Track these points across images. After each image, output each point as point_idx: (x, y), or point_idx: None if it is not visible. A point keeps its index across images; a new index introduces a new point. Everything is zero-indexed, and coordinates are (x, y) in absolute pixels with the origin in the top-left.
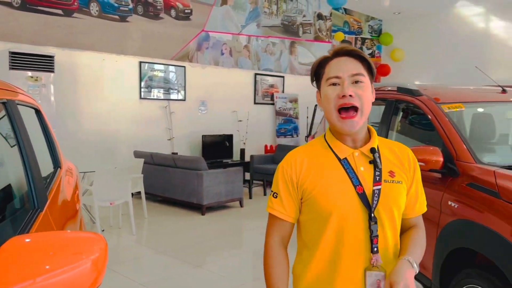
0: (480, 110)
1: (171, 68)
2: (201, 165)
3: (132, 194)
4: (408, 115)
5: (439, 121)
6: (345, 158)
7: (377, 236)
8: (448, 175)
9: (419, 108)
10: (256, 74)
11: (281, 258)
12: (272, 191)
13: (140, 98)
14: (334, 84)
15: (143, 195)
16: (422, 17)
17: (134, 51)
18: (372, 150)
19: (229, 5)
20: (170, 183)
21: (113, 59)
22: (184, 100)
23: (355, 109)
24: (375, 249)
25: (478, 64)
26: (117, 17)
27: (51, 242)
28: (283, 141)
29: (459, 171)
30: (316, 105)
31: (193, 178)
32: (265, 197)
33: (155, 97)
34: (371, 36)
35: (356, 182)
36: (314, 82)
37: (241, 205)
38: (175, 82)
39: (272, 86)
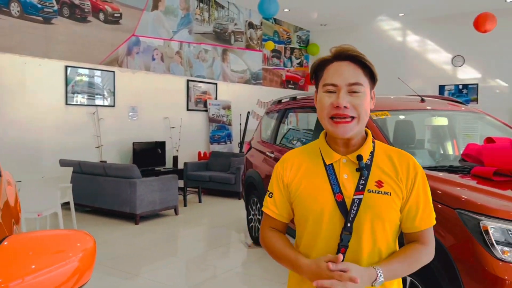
0: (402, 117)
1: (100, 73)
2: (134, 173)
3: (61, 204)
4: None
5: (368, 127)
6: (331, 164)
7: (347, 246)
8: None
9: None
10: (188, 80)
11: (277, 234)
12: (268, 191)
13: (66, 104)
14: (330, 91)
15: (72, 205)
16: (346, 29)
17: (60, 54)
18: (359, 158)
19: (160, 10)
20: (100, 193)
21: (36, 63)
22: (113, 106)
23: (351, 118)
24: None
25: (397, 74)
26: (40, 18)
27: (41, 241)
28: (217, 147)
29: None
30: (248, 112)
31: (125, 187)
32: (200, 205)
33: (82, 103)
34: (300, 46)
35: (336, 189)
36: (314, 81)
37: (176, 213)
38: (104, 87)
39: (205, 92)
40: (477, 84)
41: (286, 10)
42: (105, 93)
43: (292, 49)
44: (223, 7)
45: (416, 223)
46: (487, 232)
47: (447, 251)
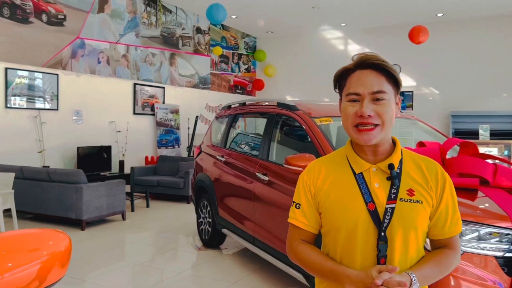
0: None
1: (42, 75)
2: (80, 178)
3: (2, 211)
4: (287, 127)
5: (313, 132)
6: (361, 173)
7: (385, 256)
8: None
9: (296, 121)
10: (135, 84)
11: (311, 247)
12: (294, 202)
13: (6, 107)
14: (353, 101)
15: (13, 212)
16: (292, 37)
17: None
18: (390, 166)
19: (106, 13)
20: (44, 198)
21: None
22: (57, 109)
23: (374, 124)
24: None
25: None
26: None
27: (16, 240)
28: (165, 152)
29: None
30: (197, 116)
31: (71, 192)
32: (148, 209)
33: (24, 107)
34: (247, 52)
35: (368, 198)
36: (337, 90)
37: (124, 218)
38: (47, 90)
39: (152, 96)
40: (412, 92)
41: (233, 17)
42: (48, 96)
43: (240, 55)
44: (170, 11)
45: (446, 230)
46: None
47: None
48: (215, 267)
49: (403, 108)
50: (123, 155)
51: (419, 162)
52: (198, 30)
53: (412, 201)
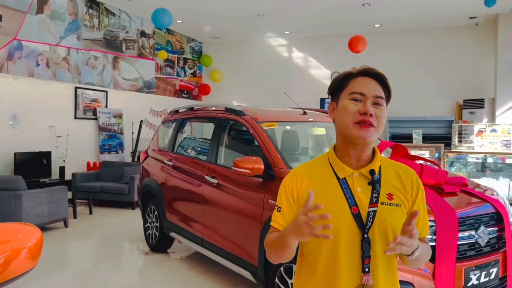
0: (288, 127)
1: None
2: (20, 185)
3: None
4: (235, 131)
5: (260, 136)
6: (344, 178)
7: (369, 256)
8: (268, 179)
9: (243, 126)
10: (76, 87)
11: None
12: (276, 206)
13: None
14: (356, 100)
15: None
16: (238, 43)
17: None
18: (371, 172)
19: (45, 14)
20: None
21: None
22: None
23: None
24: (367, 269)
25: (284, 87)
26: None
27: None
28: (108, 157)
29: (276, 176)
30: (141, 121)
31: (9, 200)
32: (91, 216)
33: None
34: (193, 56)
35: (352, 202)
36: (333, 92)
37: (66, 226)
38: None
39: (94, 100)
40: None
41: (179, 21)
42: None
43: (186, 59)
44: (114, 14)
45: (418, 230)
46: None
47: None
48: (163, 270)
49: None
50: (64, 161)
51: (397, 169)
52: (143, 34)
53: (391, 204)
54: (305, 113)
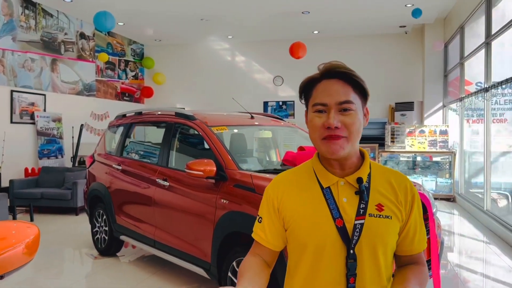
0: (237, 131)
1: None
2: None
3: None
4: (186, 135)
5: (211, 139)
6: (328, 187)
7: (355, 275)
8: (220, 180)
9: (194, 130)
10: (12, 91)
11: (253, 259)
12: (258, 216)
13: None
14: (320, 111)
15: None
16: (180, 46)
17: None
18: (359, 180)
19: None
20: None
21: None
22: None
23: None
24: None
25: (228, 91)
26: None
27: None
28: (47, 162)
29: (227, 177)
30: (82, 125)
31: None
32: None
33: None
34: (134, 59)
35: (336, 214)
36: (303, 100)
37: None
38: None
39: (32, 104)
40: (294, 101)
41: (120, 23)
42: None
43: (127, 62)
44: (51, 15)
45: (414, 246)
46: None
47: None
48: (113, 273)
49: (286, 116)
50: (0, 167)
51: (389, 176)
52: (82, 36)
53: (381, 216)
54: (252, 117)
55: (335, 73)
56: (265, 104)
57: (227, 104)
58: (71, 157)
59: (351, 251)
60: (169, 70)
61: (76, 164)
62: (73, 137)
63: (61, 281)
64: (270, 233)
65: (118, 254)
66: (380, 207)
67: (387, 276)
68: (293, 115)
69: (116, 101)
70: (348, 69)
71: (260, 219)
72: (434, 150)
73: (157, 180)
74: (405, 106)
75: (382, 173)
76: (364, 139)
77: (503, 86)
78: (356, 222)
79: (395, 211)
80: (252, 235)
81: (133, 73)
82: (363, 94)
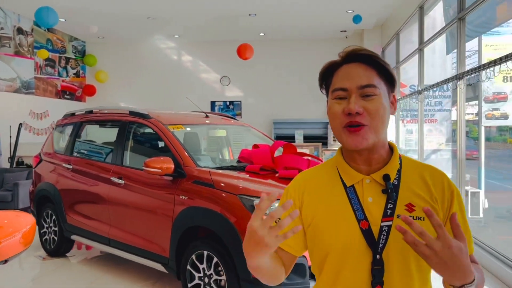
0: (192, 129)
1: None
2: None
3: None
4: (140, 134)
5: (168, 138)
6: (352, 186)
7: (382, 282)
8: (178, 177)
9: (149, 129)
10: None
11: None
12: None
13: None
14: (340, 98)
15: None
16: (125, 44)
17: None
18: (385, 177)
19: None
20: None
21: None
22: None
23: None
24: None
25: (174, 90)
26: None
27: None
28: None
29: (186, 174)
30: (20, 124)
31: None
32: None
33: None
34: (75, 56)
35: (360, 215)
36: (324, 89)
37: None
38: None
39: None
40: (240, 101)
41: (62, 20)
42: None
43: (68, 59)
44: None
45: None
46: None
47: (234, 226)
48: (65, 274)
49: (233, 116)
50: None
51: (422, 171)
52: (20, 31)
53: (412, 217)
54: (207, 116)
55: (357, 56)
56: (212, 104)
57: (173, 103)
58: (9, 158)
59: (378, 256)
60: (112, 68)
61: (14, 165)
62: (10, 137)
63: (7, 285)
64: (292, 236)
65: (68, 254)
66: (410, 207)
67: (420, 285)
68: (240, 114)
69: (57, 100)
70: (371, 52)
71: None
72: None
73: (111, 178)
74: None
75: (414, 168)
76: (308, 138)
77: (434, 89)
78: (383, 224)
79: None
80: None
81: (74, 71)
82: (389, 80)
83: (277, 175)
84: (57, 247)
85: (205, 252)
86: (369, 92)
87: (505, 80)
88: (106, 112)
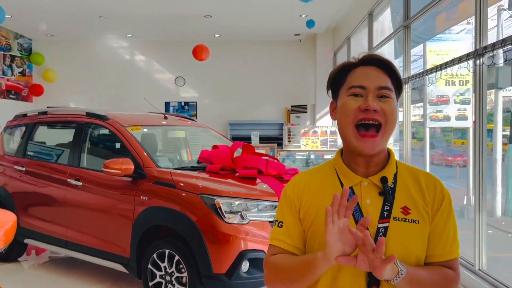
0: (151, 131)
1: None
2: None
3: None
4: (98, 135)
5: (127, 139)
6: (351, 188)
7: (378, 283)
8: (138, 178)
9: (107, 130)
10: None
11: (284, 255)
12: (276, 221)
13: None
14: (356, 95)
15: None
16: (75, 43)
17: None
18: (383, 180)
19: None
20: None
21: None
22: None
23: (377, 128)
24: None
25: (125, 90)
26: None
27: None
28: None
29: (146, 174)
30: None
31: None
32: None
33: None
34: (21, 54)
35: (358, 217)
36: (330, 91)
37: None
38: None
39: None
40: (196, 102)
41: (7, 16)
42: None
43: (13, 57)
44: None
45: (447, 249)
46: (219, 207)
47: (195, 224)
48: (17, 279)
49: (189, 116)
50: None
51: (417, 175)
52: None
53: (407, 220)
54: (165, 117)
55: (373, 60)
56: (167, 104)
57: (126, 104)
58: None
59: None
60: (61, 67)
61: None
62: None
63: None
64: (296, 237)
65: (20, 259)
66: (406, 210)
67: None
68: (195, 115)
69: (1, 99)
70: (387, 59)
71: (281, 223)
72: (325, 148)
73: (68, 180)
74: (300, 109)
75: (410, 173)
76: (264, 139)
77: None
78: (380, 225)
79: (423, 215)
80: (272, 242)
81: (20, 69)
82: (398, 87)
83: (237, 174)
84: (8, 252)
85: (167, 251)
86: (385, 93)
87: (448, 84)
88: (61, 113)
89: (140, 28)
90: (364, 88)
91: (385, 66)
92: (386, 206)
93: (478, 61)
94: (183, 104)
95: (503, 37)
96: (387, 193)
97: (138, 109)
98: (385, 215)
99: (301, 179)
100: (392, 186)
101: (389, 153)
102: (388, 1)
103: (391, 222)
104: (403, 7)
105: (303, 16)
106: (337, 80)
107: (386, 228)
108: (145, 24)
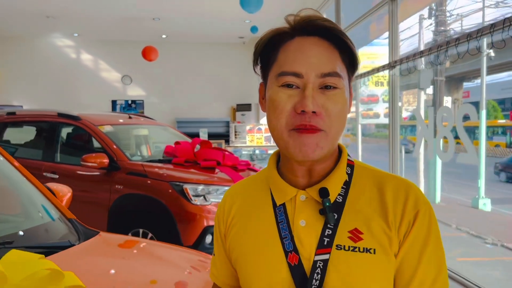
0: (119, 128)
1: None
2: None
3: None
4: (70, 134)
5: (100, 137)
6: (283, 205)
7: None
8: (112, 170)
9: (81, 129)
10: None
11: None
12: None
13: None
14: (290, 86)
15: None
16: (17, 41)
17: None
18: (322, 193)
19: None
20: None
21: None
22: None
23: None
24: None
25: (71, 89)
26: None
27: None
28: None
29: (120, 167)
30: None
31: None
32: None
33: None
34: None
35: (288, 246)
36: (259, 67)
37: None
38: None
39: None
40: (143, 100)
41: None
42: None
43: None
44: None
45: None
46: (187, 191)
47: (167, 206)
48: None
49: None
50: None
51: (383, 184)
52: None
53: (357, 249)
54: (130, 117)
55: (316, 28)
56: (114, 102)
57: (72, 102)
58: None
59: None
60: (3, 65)
61: None
62: None
63: None
64: (222, 269)
65: None
66: (356, 234)
67: None
68: (142, 113)
69: None
70: (333, 23)
71: (214, 252)
72: (269, 144)
73: (44, 173)
74: (245, 107)
75: (373, 181)
76: (212, 136)
77: None
78: (317, 258)
79: (382, 241)
80: (209, 275)
81: None
82: (351, 64)
83: (199, 165)
84: None
85: (141, 230)
86: (331, 83)
87: (377, 85)
88: (31, 113)
89: (87, 28)
90: (300, 76)
91: (332, 37)
92: (327, 230)
93: (391, 72)
94: (130, 102)
95: (407, 55)
96: (327, 211)
97: (87, 107)
98: (325, 243)
99: (232, 192)
100: (340, 200)
101: (340, 154)
102: (324, 13)
103: (333, 252)
104: (335, 18)
105: (247, 21)
106: (268, 54)
107: (325, 262)
108: (93, 24)
